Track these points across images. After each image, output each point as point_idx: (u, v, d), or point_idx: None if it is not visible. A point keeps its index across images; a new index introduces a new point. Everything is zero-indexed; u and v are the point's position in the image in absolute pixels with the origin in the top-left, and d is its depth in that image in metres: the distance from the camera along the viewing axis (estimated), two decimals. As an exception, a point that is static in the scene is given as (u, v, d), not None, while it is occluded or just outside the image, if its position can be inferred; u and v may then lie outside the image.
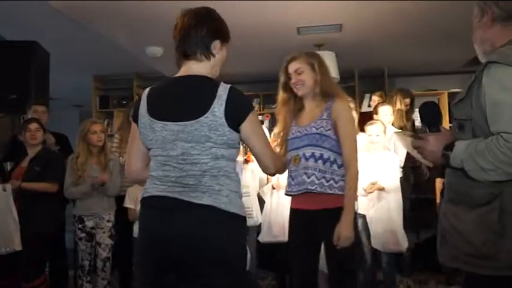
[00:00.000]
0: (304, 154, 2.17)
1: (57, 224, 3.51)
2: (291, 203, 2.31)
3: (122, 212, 3.45)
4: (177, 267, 1.55)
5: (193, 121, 1.53)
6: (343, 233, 2.05)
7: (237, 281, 1.58)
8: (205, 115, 1.52)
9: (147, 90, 1.69)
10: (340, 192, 2.13)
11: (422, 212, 4.47)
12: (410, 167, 3.85)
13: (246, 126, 1.58)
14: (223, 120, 1.53)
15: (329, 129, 2.16)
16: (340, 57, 4.84)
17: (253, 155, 1.74)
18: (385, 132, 3.44)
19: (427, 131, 1.58)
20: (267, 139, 1.72)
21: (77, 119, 7.68)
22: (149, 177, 1.64)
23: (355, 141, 2.23)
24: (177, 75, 1.68)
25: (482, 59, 1.55)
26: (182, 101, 1.58)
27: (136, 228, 3.44)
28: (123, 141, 3.69)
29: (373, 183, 3.30)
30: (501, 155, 1.28)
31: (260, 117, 4.96)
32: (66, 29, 4.27)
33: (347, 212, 2.08)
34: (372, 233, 3.31)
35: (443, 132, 1.54)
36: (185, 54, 1.65)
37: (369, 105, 5.68)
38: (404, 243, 3.27)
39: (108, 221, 3.40)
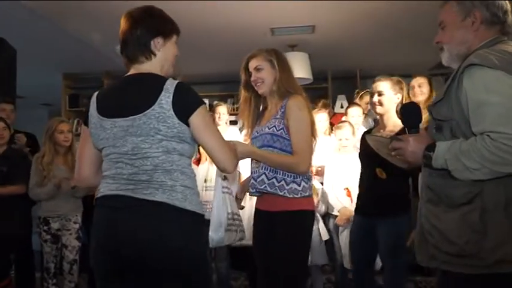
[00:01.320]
0: None
1: (22, 225, 3.42)
2: (255, 203, 2.29)
3: (90, 213, 3.38)
4: (133, 267, 1.51)
5: (141, 114, 1.52)
6: (237, 144, 2.00)
7: (194, 281, 1.55)
8: (153, 107, 1.51)
9: (96, 92, 1.68)
10: (289, 196, 2.07)
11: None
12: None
13: (195, 119, 1.54)
14: (172, 112, 1.51)
15: (281, 129, 2.10)
16: (313, 58, 4.89)
17: (206, 152, 1.64)
18: (354, 133, 3.48)
19: (406, 131, 1.58)
20: (221, 135, 1.64)
21: (45, 118, 7.49)
22: (102, 178, 1.62)
23: (305, 138, 2.11)
24: (126, 75, 1.67)
25: (449, 60, 1.55)
26: (130, 96, 1.58)
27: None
28: None
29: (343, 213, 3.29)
30: (488, 153, 1.28)
31: (234, 118, 4.94)
32: (35, 26, 4.16)
33: (260, 153, 2.09)
34: (343, 253, 3.31)
35: (422, 134, 1.54)
36: (128, 58, 1.65)
37: (342, 106, 5.76)
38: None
39: (75, 223, 3.31)
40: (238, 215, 2.24)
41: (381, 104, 2.58)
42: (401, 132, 2.27)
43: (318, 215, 3.27)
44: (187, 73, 5.21)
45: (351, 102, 4.71)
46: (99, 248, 1.56)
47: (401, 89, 2.63)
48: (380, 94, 2.58)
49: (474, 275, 1.38)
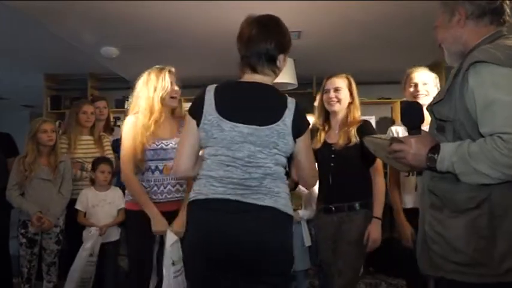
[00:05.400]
0: None
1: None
2: None
3: (72, 216, 3.31)
4: (240, 267, 1.59)
5: (265, 127, 1.59)
6: None
7: (288, 277, 1.70)
8: (277, 123, 1.60)
9: (212, 88, 1.68)
10: None
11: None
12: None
13: (303, 140, 1.68)
14: (290, 130, 1.61)
15: None
16: (299, 63, 4.90)
17: (298, 167, 1.78)
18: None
19: (407, 132, 1.48)
20: (313, 155, 1.81)
21: (26, 119, 7.35)
22: (203, 177, 1.64)
23: None
24: (244, 80, 1.71)
25: (450, 59, 1.51)
26: (254, 105, 1.64)
27: (85, 234, 3.30)
28: (71, 145, 3.52)
29: None
30: (500, 156, 1.20)
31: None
32: (16, 25, 4.08)
33: None
34: None
35: (424, 135, 1.43)
36: (253, 68, 1.69)
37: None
38: None
39: (56, 226, 3.24)
40: None
41: None
42: None
43: (303, 219, 3.28)
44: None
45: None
46: (209, 248, 1.59)
47: None
48: None
49: (483, 284, 1.31)
